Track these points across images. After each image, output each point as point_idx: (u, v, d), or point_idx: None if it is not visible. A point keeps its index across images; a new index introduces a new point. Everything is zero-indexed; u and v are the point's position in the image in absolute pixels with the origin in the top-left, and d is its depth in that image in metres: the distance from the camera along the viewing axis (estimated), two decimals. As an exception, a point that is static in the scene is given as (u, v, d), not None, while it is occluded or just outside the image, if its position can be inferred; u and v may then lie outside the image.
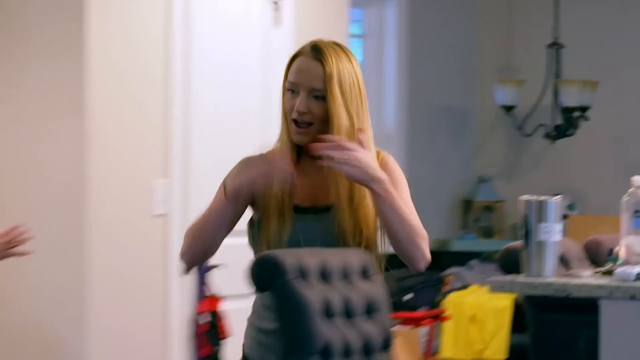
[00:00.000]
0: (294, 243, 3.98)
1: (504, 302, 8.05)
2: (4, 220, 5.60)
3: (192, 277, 5.98)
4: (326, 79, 3.87)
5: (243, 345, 4.10)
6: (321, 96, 3.87)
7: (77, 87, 6.01)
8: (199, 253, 3.99)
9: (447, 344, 8.05)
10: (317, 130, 3.89)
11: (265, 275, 4.19)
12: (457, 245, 9.16)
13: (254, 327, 4.07)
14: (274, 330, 3.98)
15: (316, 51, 3.90)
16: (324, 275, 4.40)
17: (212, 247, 3.99)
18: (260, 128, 6.79)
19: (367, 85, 9.07)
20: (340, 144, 3.76)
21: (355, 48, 8.91)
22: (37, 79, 6.17)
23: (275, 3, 6.74)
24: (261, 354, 4.06)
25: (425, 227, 10.02)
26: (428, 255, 4.07)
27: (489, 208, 9.37)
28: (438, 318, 7.93)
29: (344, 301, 4.44)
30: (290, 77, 3.91)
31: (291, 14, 6.91)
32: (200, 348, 5.68)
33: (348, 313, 4.52)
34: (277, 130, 6.59)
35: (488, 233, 9.36)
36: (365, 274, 4.68)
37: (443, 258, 8.84)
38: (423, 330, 7.84)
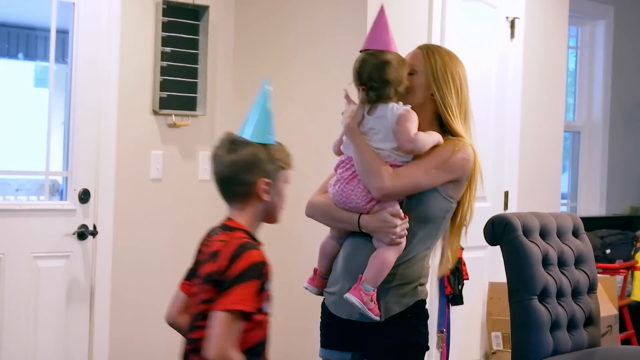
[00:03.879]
0: None
1: (683, 256, 7.75)
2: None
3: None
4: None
5: None
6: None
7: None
8: None
9: (638, 289, 7.74)
10: None
11: (498, 232, 4.12)
12: (648, 211, 8.80)
13: None
14: None
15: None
16: (543, 233, 4.31)
17: None
18: (495, 129, 6.27)
19: (580, 86, 8.88)
20: None
21: (571, 57, 8.57)
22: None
23: (511, 21, 6.36)
24: None
25: (621, 197, 9.66)
26: (378, 188, 3.34)
27: (672, 183, 9.06)
28: (631, 268, 7.64)
29: (558, 253, 4.34)
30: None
31: (522, 30, 6.45)
32: (446, 288, 5.60)
33: (562, 263, 4.43)
34: (509, 130, 6.44)
35: (672, 203, 9.03)
36: (575, 233, 4.57)
37: (635, 221, 8.54)
38: (619, 277, 7.52)
